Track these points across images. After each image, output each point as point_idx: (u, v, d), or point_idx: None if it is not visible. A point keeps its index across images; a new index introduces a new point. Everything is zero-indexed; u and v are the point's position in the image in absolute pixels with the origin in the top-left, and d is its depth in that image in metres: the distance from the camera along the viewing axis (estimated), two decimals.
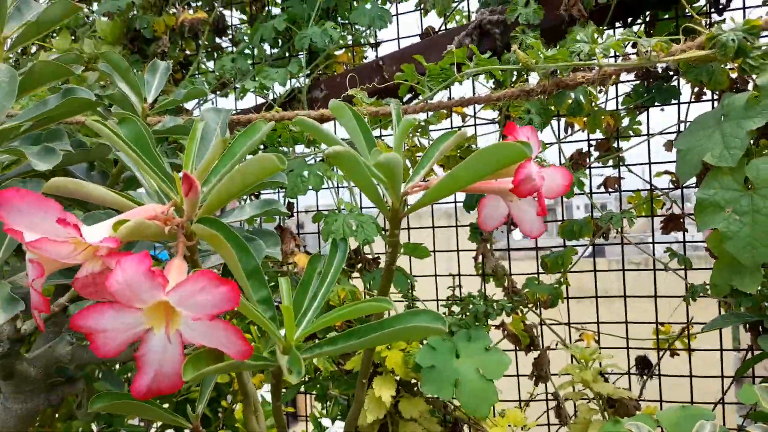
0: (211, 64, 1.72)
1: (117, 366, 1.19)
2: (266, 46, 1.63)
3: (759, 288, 1.09)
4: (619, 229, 1.33)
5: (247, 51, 1.64)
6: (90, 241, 0.46)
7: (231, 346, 0.47)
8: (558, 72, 0.92)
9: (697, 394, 1.37)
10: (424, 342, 1.27)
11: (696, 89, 1.36)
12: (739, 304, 1.09)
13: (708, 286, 1.22)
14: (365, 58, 1.75)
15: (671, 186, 1.35)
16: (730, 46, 0.76)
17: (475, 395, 1.15)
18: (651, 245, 1.40)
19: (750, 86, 1.20)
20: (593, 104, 1.24)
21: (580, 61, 0.85)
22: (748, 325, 1.22)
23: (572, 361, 1.41)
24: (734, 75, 1.19)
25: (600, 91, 1.07)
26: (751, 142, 1.05)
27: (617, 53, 1.13)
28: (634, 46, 0.99)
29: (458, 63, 0.94)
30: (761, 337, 1.02)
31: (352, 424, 0.73)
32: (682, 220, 1.34)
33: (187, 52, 1.77)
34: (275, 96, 1.49)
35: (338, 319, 0.55)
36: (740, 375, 1.17)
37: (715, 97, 1.34)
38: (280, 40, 1.62)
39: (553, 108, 1.18)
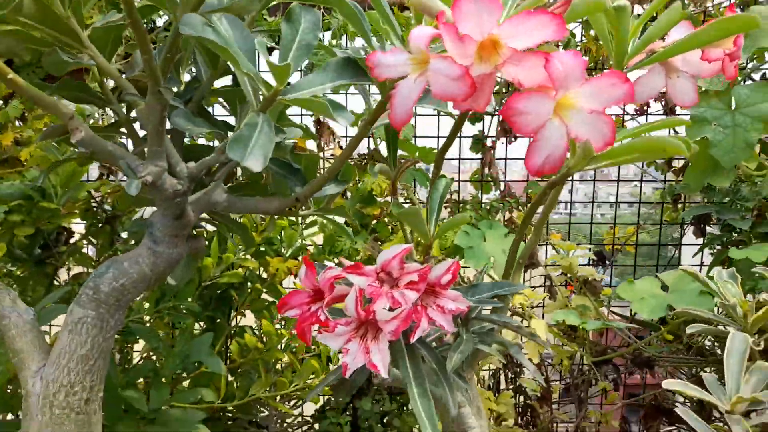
0: None
1: None
2: None
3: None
4: None
5: None
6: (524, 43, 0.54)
7: (604, 135, 0.59)
8: None
9: None
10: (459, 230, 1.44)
11: None
12: (711, 197, 1.43)
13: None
14: None
15: (636, 111, 1.66)
16: None
17: None
18: None
19: None
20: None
21: None
22: (691, 221, 1.59)
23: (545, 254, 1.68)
24: None
25: None
26: None
27: None
28: None
29: None
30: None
31: (526, 255, 0.88)
32: None
33: None
34: None
35: None
36: (704, 248, 1.52)
37: None
38: None
39: None
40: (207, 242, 1.39)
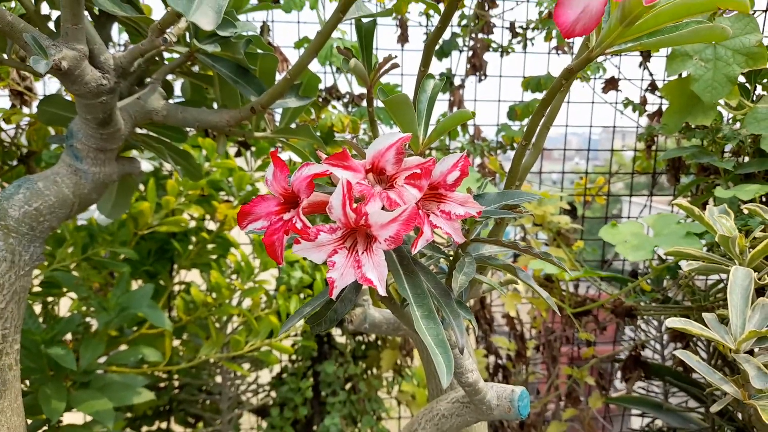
0: None
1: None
2: None
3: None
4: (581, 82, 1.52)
5: None
6: None
7: None
8: None
9: None
10: None
11: None
12: (690, 137, 1.36)
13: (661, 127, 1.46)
14: None
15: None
16: None
17: None
18: (591, 104, 1.62)
19: None
20: None
21: None
22: (667, 167, 1.52)
23: None
24: None
25: None
26: None
27: None
28: None
29: None
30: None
31: (529, 167, 0.76)
32: (617, 82, 1.58)
33: None
34: None
35: None
36: (680, 194, 1.46)
37: None
38: None
39: None
40: (143, 184, 1.21)
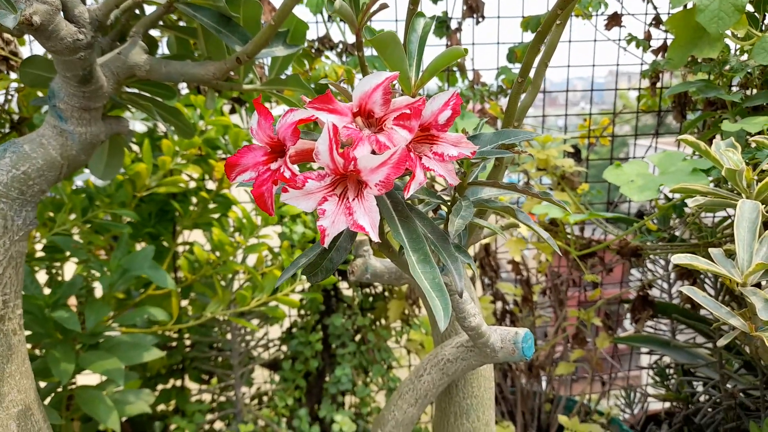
0: None
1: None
2: None
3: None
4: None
5: None
6: None
7: None
8: None
9: None
10: None
11: None
12: (697, 71, 1.31)
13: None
14: None
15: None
16: None
17: None
18: (593, 42, 1.57)
19: None
20: None
21: None
22: (672, 104, 1.49)
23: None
24: None
25: None
26: None
27: None
28: None
29: None
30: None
31: (526, 108, 0.74)
32: (620, 18, 1.52)
33: None
34: None
35: None
36: (686, 130, 1.43)
37: None
38: None
39: None
40: (138, 145, 1.19)
